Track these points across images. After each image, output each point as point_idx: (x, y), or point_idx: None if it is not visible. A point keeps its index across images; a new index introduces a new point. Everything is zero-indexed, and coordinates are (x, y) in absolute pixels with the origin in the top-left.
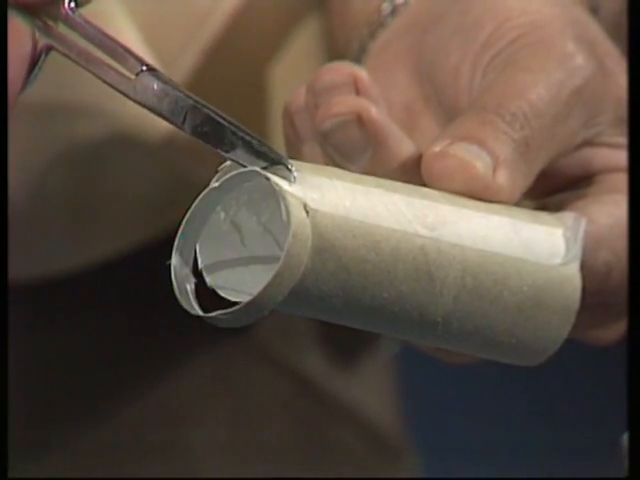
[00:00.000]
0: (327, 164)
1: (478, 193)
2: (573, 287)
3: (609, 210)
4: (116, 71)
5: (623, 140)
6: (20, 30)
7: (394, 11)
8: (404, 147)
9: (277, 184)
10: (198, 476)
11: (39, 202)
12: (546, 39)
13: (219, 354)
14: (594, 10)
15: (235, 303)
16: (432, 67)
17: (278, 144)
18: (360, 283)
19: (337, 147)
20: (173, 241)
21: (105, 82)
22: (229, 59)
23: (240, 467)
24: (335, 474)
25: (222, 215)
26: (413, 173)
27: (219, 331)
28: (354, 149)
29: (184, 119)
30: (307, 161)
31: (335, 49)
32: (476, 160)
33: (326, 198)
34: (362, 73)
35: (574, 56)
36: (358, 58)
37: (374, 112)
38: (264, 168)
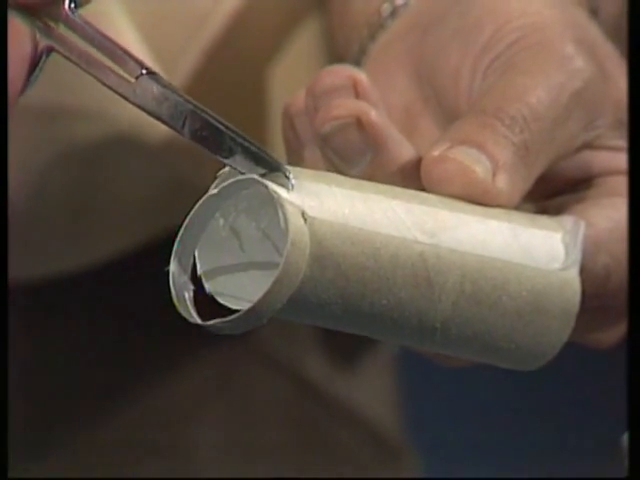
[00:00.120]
0: (327, 167)
1: (477, 197)
2: (572, 291)
3: (608, 213)
4: (116, 74)
5: (623, 143)
6: (20, 31)
7: (394, 12)
8: (404, 150)
9: (275, 192)
10: (198, 476)
11: (39, 202)
12: (546, 42)
13: (220, 355)
14: (593, 12)
15: (234, 310)
16: (432, 69)
17: (278, 145)
18: (359, 290)
19: (337, 150)
20: (172, 245)
21: (105, 85)
22: (229, 60)
23: (241, 468)
24: (335, 474)
25: (221, 221)
26: (413, 177)
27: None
28: (354, 152)
29: (183, 123)
30: (307, 164)
31: (335, 50)
32: (475, 164)
33: (324, 205)
34: (362, 76)
35: (574, 59)
36: (358, 59)
37: (374, 115)
38: (263, 175)
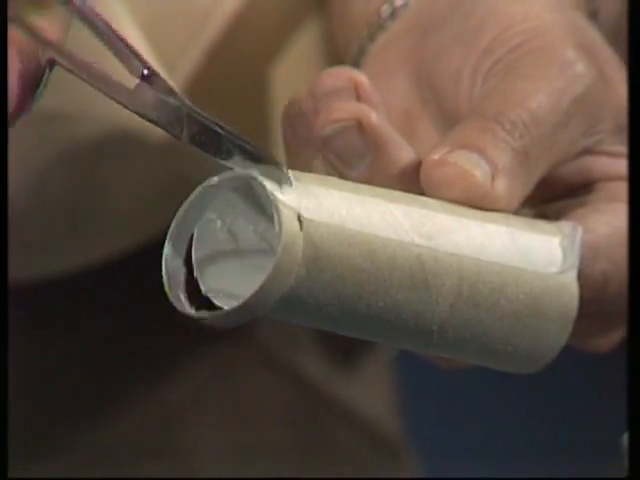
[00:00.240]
0: (326, 169)
1: (476, 201)
2: (570, 295)
3: (607, 219)
4: (115, 82)
5: (622, 149)
6: (22, 46)
7: (393, 13)
8: (404, 154)
9: (272, 193)
10: (197, 476)
11: (39, 202)
12: (547, 46)
13: (219, 355)
14: (593, 14)
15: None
16: (432, 72)
17: (279, 145)
18: (356, 292)
19: (337, 153)
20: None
21: (104, 93)
22: (230, 59)
23: (240, 468)
24: (335, 474)
25: (219, 223)
26: (412, 180)
27: (218, 332)
28: (354, 155)
29: (182, 129)
30: (306, 165)
31: (335, 51)
32: (475, 168)
33: (322, 207)
34: (363, 78)
35: (575, 64)
36: (357, 60)
37: (374, 118)
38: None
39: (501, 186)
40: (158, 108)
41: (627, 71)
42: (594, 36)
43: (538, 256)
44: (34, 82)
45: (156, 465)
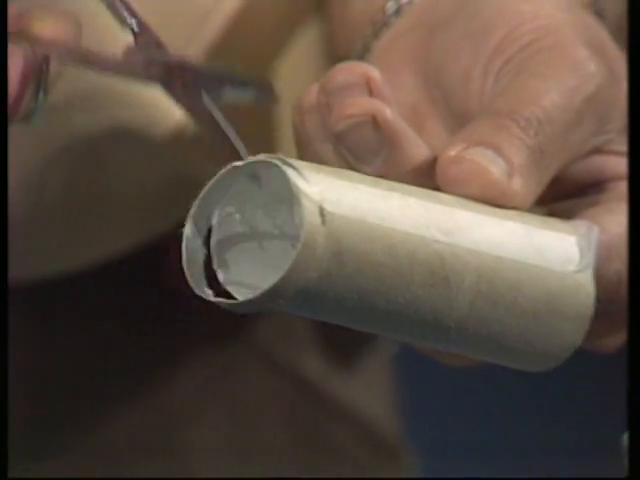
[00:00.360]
0: (339, 164)
1: (493, 198)
2: (587, 294)
3: (619, 219)
4: (105, 57)
5: None
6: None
7: (398, 10)
8: (418, 150)
9: (295, 185)
10: (196, 476)
11: (39, 202)
12: (558, 45)
13: (218, 355)
14: (599, 13)
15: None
16: (440, 70)
17: (282, 142)
18: (376, 287)
19: (351, 149)
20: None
21: (97, 70)
22: (231, 58)
23: (239, 468)
24: (334, 474)
25: (237, 217)
26: (427, 176)
27: (218, 332)
28: (368, 151)
29: (175, 82)
30: (318, 161)
31: (335, 51)
32: (492, 165)
33: (344, 200)
34: (375, 73)
35: (586, 63)
36: (361, 58)
37: (389, 114)
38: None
39: (517, 183)
40: (149, 67)
41: (627, 71)
42: (603, 35)
43: (555, 254)
44: (34, 78)
45: (156, 465)
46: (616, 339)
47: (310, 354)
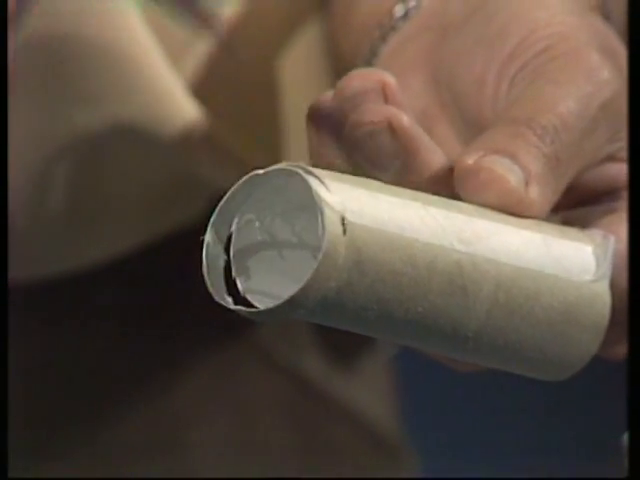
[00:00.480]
0: (353, 171)
1: (511, 207)
2: (603, 304)
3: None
4: None
5: None
6: None
7: (406, 14)
8: (435, 157)
9: (317, 194)
10: (197, 476)
11: (40, 202)
12: (572, 52)
13: (218, 355)
14: (606, 16)
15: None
16: (452, 75)
17: (284, 142)
18: (395, 296)
19: (367, 155)
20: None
21: None
22: (236, 54)
23: (239, 468)
24: (334, 474)
25: (257, 224)
26: (443, 183)
27: (219, 332)
28: (384, 158)
29: None
30: (332, 167)
31: (338, 53)
32: (509, 174)
33: (365, 210)
34: (391, 79)
35: (601, 70)
36: (368, 61)
37: (406, 121)
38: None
39: (534, 192)
40: None
41: (627, 70)
42: (614, 39)
43: (572, 264)
44: None
45: (156, 464)
46: (625, 347)
47: (311, 354)
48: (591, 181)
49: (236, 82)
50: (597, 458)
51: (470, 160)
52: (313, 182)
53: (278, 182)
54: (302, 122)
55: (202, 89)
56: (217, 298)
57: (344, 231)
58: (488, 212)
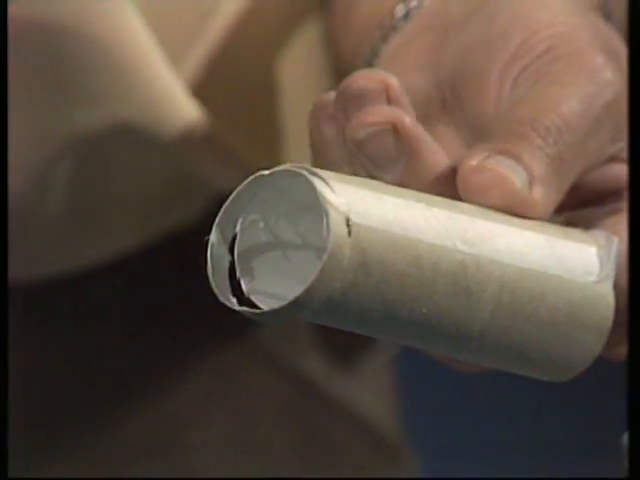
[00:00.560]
0: (356, 172)
1: (514, 208)
2: (606, 305)
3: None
4: None
5: None
6: None
7: (407, 14)
8: (438, 158)
9: (322, 195)
10: (198, 476)
11: (38, 202)
12: (575, 52)
13: (219, 355)
14: (607, 16)
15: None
16: (454, 75)
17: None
18: (400, 297)
19: (370, 156)
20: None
21: None
22: (236, 55)
23: (240, 468)
24: (334, 474)
25: (261, 225)
26: (446, 185)
27: (220, 332)
28: (387, 159)
29: None
30: (334, 168)
31: (339, 54)
32: (513, 175)
33: (370, 211)
34: (394, 80)
35: (603, 70)
36: (369, 62)
37: (409, 122)
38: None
39: (538, 193)
40: None
41: (627, 70)
42: (616, 39)
43: (576, 265)
44: None
45: (156, 465)
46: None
47: (311, 355)
48: (594, 182)
49: (236, 82)
50: (597, 458)
51: (474, 161)
52: (318, 183)
53: (283, 183)
54: (302, 122)
55: (202, 89)
56: (222, 299)
57: (349, 232)
58: (492, 213)
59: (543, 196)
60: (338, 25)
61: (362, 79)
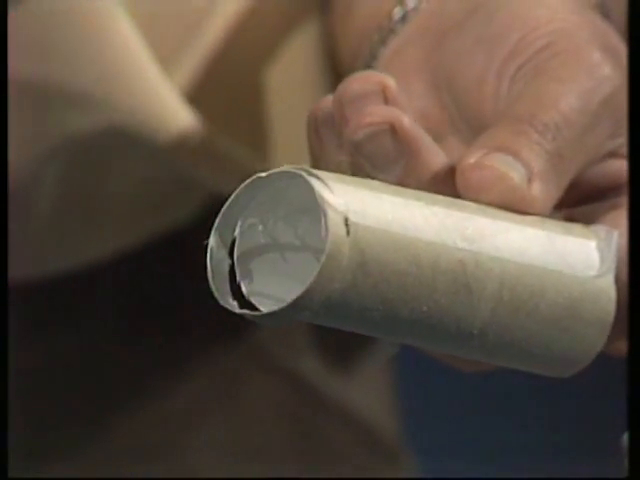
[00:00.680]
0: (355, 174)
1: (514, 204)
2: (608, 299)
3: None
4: None
5: None
6: None
7: (405, 17)
8: (437, 158)
9: (320, 195)
10: (197, 477)
11: (33, 201)
12: (573, 49)
13: (217, 357)
14: (605, 15)
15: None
16: (452, 75)
17: (277, 147)
18: (400, 296)
19: (369, 158)
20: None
21: None
22: (230, 60)
23: (238, 469)
24: (333, 475)
25: (260, 227)
26: (446, 184)
27: (218, 334)
28: (386, 159)
29: None
30: (333, 171)
31: (339, 56)
32: (512, 171)
33: (368, 211)
34: (391, 81)
35: (602, 66)
36: (368, 65)
37: (407, 122)
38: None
39: (537, 189)
40: None
41: (627, 70)
42: (615, 37)
43: (576, 260)
44: None
45: (154, 466)
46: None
47: (309, 356)
48: (594, 178)
49: (231, 86)
50: (597, 458)
51: (472, 159)
52: (315, 184)
53: (280, 185)
54: (298, 125)
55: (197, 93)
56: (222, 302)
57: (347, 232)
58: (491, 210)
59: (542, 192)
60: (337, 27)
61: (359, 81)
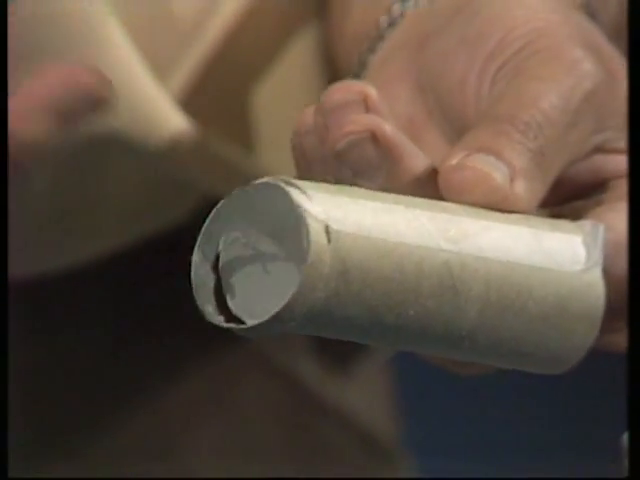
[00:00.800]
0: (339, 183)
1: (497, 204)
2: (596, 294)
3: (625, 216)
4: None
5: None
6: None
7: (392, 24)
8: (419, 162)
9: (299, 205)
10: (197, 477)
11: (30, 201)
12: (553, 46)
13: (215, 359)
14: (591, 15)
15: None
16: (435, 78)
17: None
18: (385, 302)
19: (352, 166)
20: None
21: None
22: (225, 69)
23: (236, 470)
24: (330, 477)
25: (243, 241)
26: (429, 187)
27: (217, 337)
28: (369, 167)
29: None
30: (318, 181)
31: (336, 61)
32: (494, 171)
33: (349, 218)
34: (372, 90)
35: (582, 62)
36: (358, 73)
37: (388, 129)
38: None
39: (520, 188)
40: None
41: (627, 70)
42: (597, 35)
43: (562, 256)
44: None
45: (154, 467)
46: (625, 336)
47: (306, 358)
48: (580, 174)
49: (227, 91)
50: (597, 458)
51: (454, 160)
52: (294, 193)
53: (261, 197)
54: (292, 130)
55: (192, 98)
56: (208, 317)
57: (328, 240)
58: (475, 210)
59: (526, 191)
60: (334, 33)
61: (340, 91)
